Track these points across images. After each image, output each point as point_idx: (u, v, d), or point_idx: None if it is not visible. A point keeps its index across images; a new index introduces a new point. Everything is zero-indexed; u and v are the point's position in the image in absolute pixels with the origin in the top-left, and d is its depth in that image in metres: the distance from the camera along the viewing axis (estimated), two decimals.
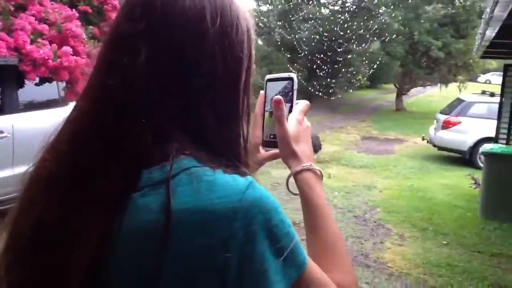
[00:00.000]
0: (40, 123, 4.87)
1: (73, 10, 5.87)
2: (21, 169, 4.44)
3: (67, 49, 5.20)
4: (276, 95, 0.89)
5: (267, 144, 0.92)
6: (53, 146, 0.70)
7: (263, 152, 0.98)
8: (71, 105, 3.14)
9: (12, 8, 5.28)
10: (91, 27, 6.69)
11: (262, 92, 0.94)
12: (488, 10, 4.91)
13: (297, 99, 0.91)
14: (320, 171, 0.86)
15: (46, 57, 4.98)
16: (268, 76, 0.94)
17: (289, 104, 0.89)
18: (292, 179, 0.87)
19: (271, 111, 0.89)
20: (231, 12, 0.71)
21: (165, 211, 0.58)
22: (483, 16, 6.61)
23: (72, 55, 5.36)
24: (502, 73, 8.00)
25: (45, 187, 0.67)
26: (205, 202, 0.59)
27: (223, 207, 0.59)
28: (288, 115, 0.88)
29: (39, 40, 5.10)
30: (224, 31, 0.70)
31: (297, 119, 0.87)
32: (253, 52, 0.77)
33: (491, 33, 5.44)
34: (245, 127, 0.75)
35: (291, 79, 0.90)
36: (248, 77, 0.75)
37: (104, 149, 0.64)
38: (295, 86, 0.89)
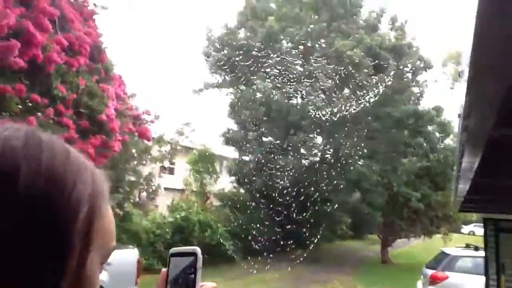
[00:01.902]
0: None
1: None
2: None
3: None
4: (178, 273, 0.72)
5: None
6: None
7: None
8: None
9: None
10: None
11: (164, 269, 0.75)
12: (455, 168, 4.97)
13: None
14: None
15: None
16: (172, 250, 0.76)
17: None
18: None
19: None
20: (65, 172, 0.53)
21: None
22: (453, 173, 6.70)
23: None
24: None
25: None
26: None
27: None
28: None
29: None
30: (45, 196, 0.50)
31: None
32: (101, 224, 0.55)
33: (463, 189, 5.41)
34: None
35: (194, 254, 0.72)
36: (84, 260, 0.52)
37: None
38: (199, 264, 0.71)
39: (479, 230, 39.58)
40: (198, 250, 0.73)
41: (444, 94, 44.73)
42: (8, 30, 5.63)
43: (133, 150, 9.89)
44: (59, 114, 7.05)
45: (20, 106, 6.34)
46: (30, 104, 6.67)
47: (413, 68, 19.17)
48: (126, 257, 7.75)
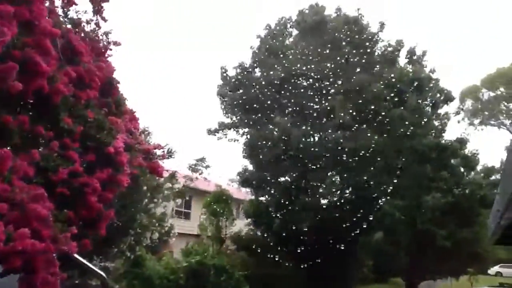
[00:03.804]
0: None
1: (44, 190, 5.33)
2: None
3: (23, 231, 4.49)
4: None
5: None
6: None
7: None
8: None
9: None
10: (65, 210, 6.13)
11: None
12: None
13: None
14: None
15: None
16: None
17: None
18: None
19: None
20: None
21: None
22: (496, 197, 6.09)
23: (31, 239, 4.63)
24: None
25: None
26: None
27: None
28: None
29: None
30: None
31: None
32: None
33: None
34: None
35: None
36: None
37: None
38: None
39: (507, 271, 37.81)
40: None
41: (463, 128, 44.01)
42: (13, 58, 5.38)
43: (144, 188, 9.45)
44: (64, 147, 6.63)
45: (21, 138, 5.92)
46: (33, 136, 6.28)
47: (433, 101, 18.66)
48: None
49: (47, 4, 6.94)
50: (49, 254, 5.04)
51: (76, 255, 6.05)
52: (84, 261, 6.69)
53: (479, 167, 20.52)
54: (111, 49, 9.03)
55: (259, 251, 19.22)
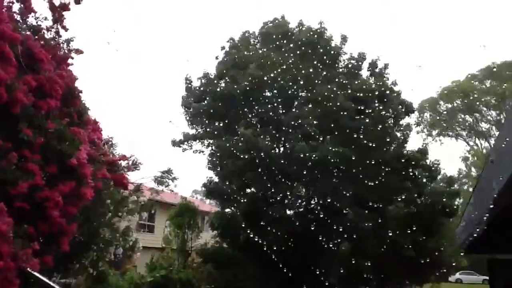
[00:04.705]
0: None
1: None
2: None
3: None
4: None
5: None
6: None
7: None
8: None
9: None
10: (25, 226, 5.81)
11: None
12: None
13: None
14: None
15: None
16: None
17: None
18: None
19: None
20: None
21: None
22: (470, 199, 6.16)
23: None
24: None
25: None
26: None
27: None
28: None
29: None
30: None
31: None
32: None
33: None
34: None
35: None
36: None
37: None
38: None
39: (466, 278, 38.99)
40: None
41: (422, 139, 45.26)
42: None
43: (108, 201, 9.13)
44: (24, 159, 6.30)
45: None
46: None
47: (395, 113, 19.08)
48: None
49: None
50: (8, 272, 4.74)
51: (34, 272, 5.72)
52: (44, 278, 6.33)
53: (439, 177, 21.03)
54: (72, 57, 8.72)
55: (225, 263, 18.95)
